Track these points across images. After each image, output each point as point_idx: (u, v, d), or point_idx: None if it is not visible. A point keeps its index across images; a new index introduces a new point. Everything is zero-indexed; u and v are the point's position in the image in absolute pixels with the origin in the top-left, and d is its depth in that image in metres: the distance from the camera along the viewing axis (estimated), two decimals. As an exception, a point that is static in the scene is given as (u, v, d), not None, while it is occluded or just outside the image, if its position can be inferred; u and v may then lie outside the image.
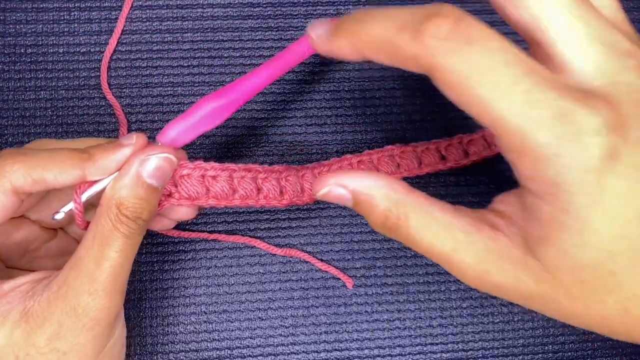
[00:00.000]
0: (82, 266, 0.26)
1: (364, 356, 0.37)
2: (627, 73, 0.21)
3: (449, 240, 0.24)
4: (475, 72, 0.20)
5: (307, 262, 0.37)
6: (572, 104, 0.20)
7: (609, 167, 0.20)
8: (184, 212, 0.31)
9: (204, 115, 0.29)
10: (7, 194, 0.26)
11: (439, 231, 0.24)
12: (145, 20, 0.38)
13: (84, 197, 0.28)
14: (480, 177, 0.39)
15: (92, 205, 0.32)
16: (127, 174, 0.27)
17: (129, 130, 0.37)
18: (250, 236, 0.37)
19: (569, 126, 0.20)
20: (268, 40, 0.38)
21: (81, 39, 0.37)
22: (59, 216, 0.28)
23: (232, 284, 0.37)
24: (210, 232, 0.37)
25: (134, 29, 0.38)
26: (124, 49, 0.38)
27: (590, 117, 0.20)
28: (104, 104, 0.37)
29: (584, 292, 0.22)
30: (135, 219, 0.27)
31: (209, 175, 0.30)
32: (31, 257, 0.31)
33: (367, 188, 0.25)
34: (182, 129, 0.29)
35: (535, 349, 0.38)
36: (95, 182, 0.28)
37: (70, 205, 0.28)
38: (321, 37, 0.25)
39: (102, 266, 0.26)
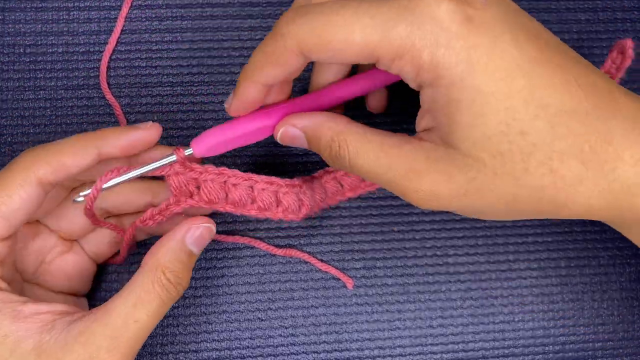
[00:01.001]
0: (110, 320, 0.26)
1: (364, 356, 0.37)
2: None
3: (384, 159, 0.26)
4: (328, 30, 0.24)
5: (307, 262, 0.37)
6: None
7: (468, 28, 0.23)
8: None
9: (244, 133, 0.29)
10: (32, 185, 0.27)
11: (375, 151, 0.26)
12: (144, 19, 0.38)
13: (107, 185, 0.28)
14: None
15: (108, 212, 0.32)
16: (174, 239, 0.29)
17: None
18: (250, 236, 0.37)
19: (421, 15, 0.23)
20: (268, 39, 0.38)
21: (80, 38, 0.37)
22: (79, 198, 0.28)
23: (232, 284, 0.37)
24: (210, 232, 0.37)
25: (134, 28, 0.38)
26: (123, 49, 0.38)
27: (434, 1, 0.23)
28: (103, 103, 0.37)
29: (507, 164, 0.24)
30: (177, 285, 0.28)
31: (230, 182, 0.31)
32: (45, 270, 0.31)
33: (314, 124, 0.28)
34: (219, 140, 0.29)
35: (536, 349, 0.38)
36: (119, 173, 0.28)
37: (89, 191, 0.28)
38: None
39: (129, 326, 0.26)
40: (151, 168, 0.29)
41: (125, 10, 0.37)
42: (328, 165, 0.34)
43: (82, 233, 0.33)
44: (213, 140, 0.29)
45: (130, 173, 0.28)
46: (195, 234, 0.29)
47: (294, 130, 0.29)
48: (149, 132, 0.30)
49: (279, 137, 0.29)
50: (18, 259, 0.30)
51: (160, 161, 0.29)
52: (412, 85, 0.25)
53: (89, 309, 0.33)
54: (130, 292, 0.27)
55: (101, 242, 0.33)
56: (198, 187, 0.30)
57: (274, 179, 0.32)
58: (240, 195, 0.31)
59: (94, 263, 0.34)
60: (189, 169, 0.30)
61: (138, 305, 0.26)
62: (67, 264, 0.32)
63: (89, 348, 0.25)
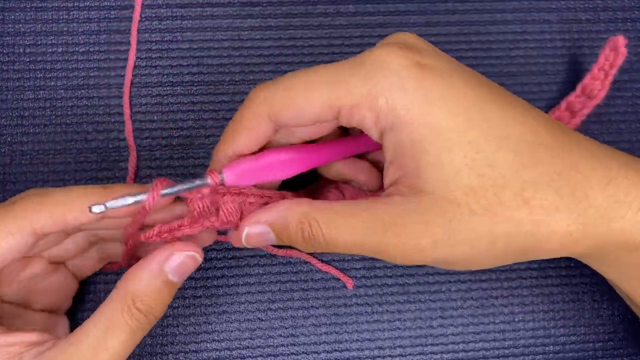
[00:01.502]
0: (79, 350, 0.25)
1: (364, 357, 0.37)
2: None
3: (358, 225, 0.25)
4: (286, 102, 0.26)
5: (307, 262, 0.37)
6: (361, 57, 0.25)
7: (421, 72, 0.24)
8: (205, 239, 0.31)
9: (269, 163, 0.28)
10: (25, 235, 0.26)
11: (347, 221, 0.25)
12: (144, 19, 0.38)
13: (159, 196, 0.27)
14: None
15: (97, 237, 0.32)
16: (149, 267, 0.26)
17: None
18: (250, 236, 0.37)
19: (372, 66, 0.24)
20: (268, 39, 0.38)
21: (80, 38, 0.37)
22: (97, 209, 0.26)
23: (232, 284, 0.37)
24: (210, 232, 0.37)
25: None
26: (123, 49, 0.37)
27: (382, 53, 0.25)
28: (102, 103, 0.37)
29: (480, 200, 0.24)
30: (147, 315, 0.26)
31: (247, 201, 0.29)
32: (28, 290, 0.30)
33: (276, 213, 0.27)
34: (251, 167, 0.28)
35: (536, 349, 0.37)
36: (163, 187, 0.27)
37: (116, 203, 0.26)
38: None
39: (99, 353, 0.25)
40: (185, 189, 0.27)
41: (137, 11, 0.38)
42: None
43: (73, 255, 0.32)
44: (245, 166, 0.28)
45: (167, 190, 0.27)
46: (176, 261, 0.27)
47: (258, 226, 0.27)
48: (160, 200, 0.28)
49: (244, 237, 0.28)
50: (3, 288, 0.29)
51: (196, 183, 0.27)
52: (374, 134, 0.26)
53: (69, 327, 0.33)
54: (99, 319, 0.25)
55: (88, 259, 0.33)
56: (218, 210, 0.29)
57: (285, 192, 0.31)
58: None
59: (77, 280, 0.33)
60: (221, 193, 0.29)
61: (108, 333, 0.25)
62: (51, 285, 0.31)
63: None
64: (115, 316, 0.25)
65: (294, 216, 0.26)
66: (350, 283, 0.37)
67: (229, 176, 0.28)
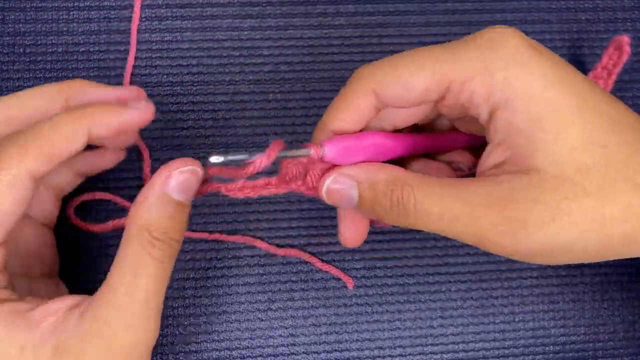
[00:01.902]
0: (115, 299, 0.24)
1: (364, 357, 0.37)
2: None
3: (458, 198, 0.23)
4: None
5: (307, 262, 0.37)
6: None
7: (538, 54, 0.23)
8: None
9: (370, 144, 0.27)
10: (24, 182, 0.25)
11: (445, 191, 0.24)
12: (144, 19, 0.38)
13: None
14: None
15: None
16: (153, 193, 0.25)
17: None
18: (250, 236, 0.37)
19: (490, 41, 0.24)
20: (268, 39, 0.38)
21: (80, 38, 0.37)
22: (216, 159, 0.24)
23: (232, 284, 0.37)
24: (210, 232, 0.37)
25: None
26: (122, 49, 0.37)
27: (496, 31, 0.24)
28: (103, 103, 0.37)
29: (594, 180, 0.23)
30: (169, 241, 0.25)
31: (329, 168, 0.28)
32: (18, 255, 0.30)
33: (367, 172, 0.25)
34: (350, 145, 0.27)
35: (537, 349, 0.37)
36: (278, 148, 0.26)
37: (235, 157, 0.25)
38: None
39: (135, 297, 0.24)
40: (290, 155, 0.26)
41: (137, 12, 0.38)
42: None
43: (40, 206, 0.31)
44: (347, 143, 0.27)
45: (281, 153, 0.26)
46: (177, 181, 0.25)
47: (342, 179, 0.26)
48: (144, 113, 0.27)
49: (325, 188, 0.26)
50: (12, 258, 0.28)
51: (301, 152, 0.26)
52: (482, 113, 0.25)
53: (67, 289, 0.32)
54: (124, 263, 0.25)
55: (45, 202, 0.32)
56: (304, 174, 0.28)
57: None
58: None
59: (49, 229, 0.32)
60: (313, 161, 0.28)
61: (137, 274, 0.25)
62: (30, 242, 0.30)
63: (105, 334, 0.24)
64: (137, 255, 0.25)
65: (385, 176, 0.25)
66: (350, 283, 0.37)
67: (330, 151, 0.26)
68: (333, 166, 0.27)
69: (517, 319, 0.38)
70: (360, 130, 0.28)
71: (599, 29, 0.40)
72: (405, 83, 0.25)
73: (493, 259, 0.38)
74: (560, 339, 0.38)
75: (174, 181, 0.25)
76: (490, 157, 0.25)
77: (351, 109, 0.26)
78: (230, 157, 0.25)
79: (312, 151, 0.26)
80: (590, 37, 0.40)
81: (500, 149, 0.24)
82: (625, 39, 0.35)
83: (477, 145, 0.31)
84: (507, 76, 0.23)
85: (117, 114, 0.27)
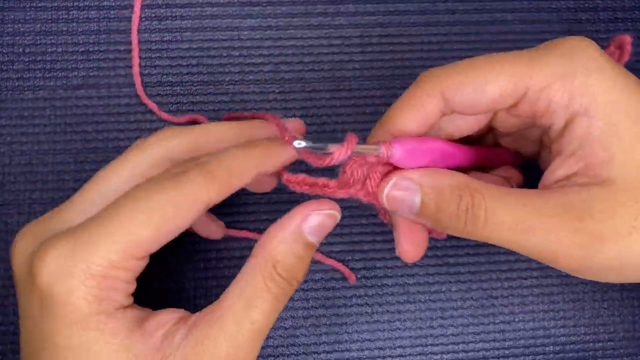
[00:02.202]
0: (223, 325, 0.24)
1: (364, 357, 0.37)
2: None
3: (530, 207, 0.22)
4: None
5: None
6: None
7: (615, 64, 0.23)
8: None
9: (435, 149, 0.26)
10: (198, 211, 0.24)
11: (516, 200, 0.23)
12: (144, 19, 0.38)
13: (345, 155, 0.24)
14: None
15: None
16: (289, 228, 0.25)
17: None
18: (250, 230, 0.37)
19: (569, 48, 0.24)
20: (268, 39, 0.38)
21: (80, 38, 0.37)
22: (301, 144, 0.23)
23: (232, 285, 0.36)
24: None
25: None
26: (122, 49, 0.37)
27: (575, 40, 0.24)
28: (102, 103, 0.37)
29: None
30: (290, 280, 0.25)
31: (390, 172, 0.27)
32: None
33: (434, 176, 0.24)
34: (420, 147, 0.26)
35: (537, 349, 0.37)
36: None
37: (316, 145, 0.24)
38: None
39: (243, 328, 0.24)
40: (362, 151, 0.25)
41: (137, 13, 0.37)
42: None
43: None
44: (414, 144, 0.26)
45: (355, 148, 0.24)
46: (315, 222, 0.25)
47: (406, 184, 0.24)
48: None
49: (386, 192, 0.25)
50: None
51: (371, 148, 0.25)
52: (558, 120, 0.24)
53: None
54: (241, 290, 0.24)
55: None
56: (365, 178, 0.27)
57: None
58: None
59: None
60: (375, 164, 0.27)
61: (251, 306, 0.24)
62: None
63: (207, 358, 0.23)
64: (257, 286, 0.24)
65: (452, 181, 0.24)
66: (352, 278, 0.37)
67: (398, 151, 0.25)
68: (392, 170, 0.26)
69: (517, 319, 0.38)
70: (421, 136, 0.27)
71: (599, 28, 0.40)
72: (481, 87, 0.24)
73: (493, 259, 0.38)
74: (560, 339, 0.38)
75: (312, 222, 0.25)
76: (561, 168, 0.24)
77: (417, 110, 0.25)
78: (311, 144, 0.24)
79: (383, 150, 0.25)
80: (591, 37, 0.40)
81: (573, 159, 0.24)
82: (627, 38, 0.35)
83: (519, 163, 0.31)
84: (588, 83, 0.23)
85: (283, 153, 0.27)
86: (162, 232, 0.24)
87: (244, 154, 0.26)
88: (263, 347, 0.36)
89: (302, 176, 0.27)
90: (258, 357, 0.36)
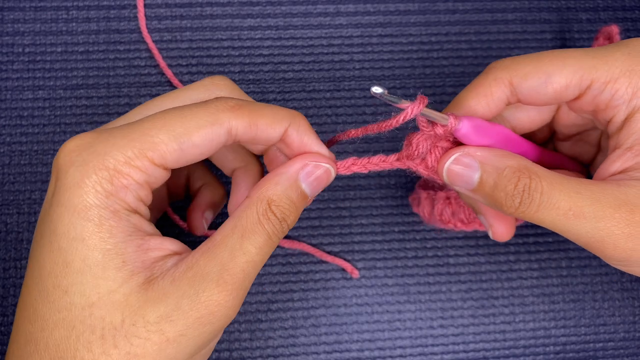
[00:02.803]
0: (216, 254, 0.24)
1: (364, 357, 0.37)
2: None
3: (586, 193, 0.23)
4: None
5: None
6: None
7: None
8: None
9: (500, 133, 0.27)
10: (221, 129, 0.24)
11: (573, 184, 0.24)
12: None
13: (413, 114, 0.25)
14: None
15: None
16: (286, 174, 0.26)
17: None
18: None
19: (636, 46, 0.25)
20: (267, 39, 0.38)
21: (79, 38, 0.37)
22: (378, 90, 0.23)
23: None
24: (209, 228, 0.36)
25: (132, 27, 0.38)
26: (122, 48, 0.37)
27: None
28: (101, 103, 0.37)
29: None
30: (282, 221, 0.25)
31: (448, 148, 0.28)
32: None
33: (495, 154, 0.25)
34: (486, 126, 0.26)
35: (537, 349, 0.37)
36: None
37: (391, 98, 0.24)
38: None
39: (236, 258, 0.24)
40: (433, 116, 0.25)
41: (141, 11, 0.38)
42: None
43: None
44: (482, 123, 0.26)
45: (424, 110, 0.25)
46: (313, 174, 0.26)
47: (467, 159, 0.26)
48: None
49: (448, 163, 0.26)
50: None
51: (439, 116, 0.25)
52: (620, 113, 0.25)
53: None
54: (235, 223, 0.25)
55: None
56: (427, 152, 0.27)
57: None
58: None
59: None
60: (439, 138, 0.27)
61: (244, 237, 0.24)
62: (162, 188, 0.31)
63: (196, 283, 0.23)
64: (251, 220, 0.25)
65: (513, 162, 0.24)
66: (355, 273, 0.37)
67: (465, 125, 0.26)
68: (454, 147, 0.27)
69: (517, 319, 0.38)
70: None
71: (599, 28, 0.40)
72: (548, 76, 0.25)
73: (493, 259, 0.38)
74: (560, 339, 0.38)
75: (309, 172, 0.26)
76: (617, 161, 0.25)
77: (484, 95, 0.26)
78: (386, 94, 0.24)
79: (451, 120, 0.25)
80: (591, 37, 0.40)
81: (630, 153, 0.25)
82: (615, 28, 0.35)
83: (576, 171, 0.31)
84: None
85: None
86: (183, 146, 0.24)
87: (274, 108, 0.26)
88: (263, 347, 0.36)
89: (350, 160, 0.27)
90: (258, 357, 0.36)
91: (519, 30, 0.40)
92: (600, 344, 0.38)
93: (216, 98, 0.25)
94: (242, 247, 0.24)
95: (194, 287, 0.23)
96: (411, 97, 0.25)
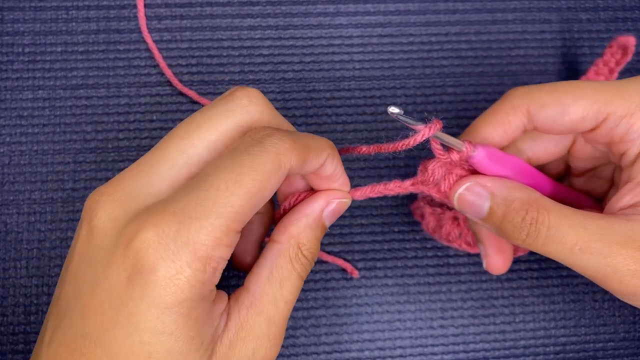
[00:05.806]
0: (262, 309, 0.24)
1: (364, 357, 0.37)
2: None
3: (593, 228, 0.23)
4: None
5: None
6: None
7: None
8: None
9: (514, 163, 0.27)
10: (284, 173, 0.24)
11: (580, 219, 0.24)
12: (143, 19, 0.38)
13: (430, 135, 0.25)
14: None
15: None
16: (312, 215, 0.26)
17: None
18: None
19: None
20: (267, 39, 0.38)
21: (79, 38, 0.37)
22: (395, 110, 0.24)
23: (233, 285, 0.36)
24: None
25: (132, 27, 0.38)
26: (122, 48, 0.37)
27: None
28: (101, 103, 0.37)
29: None
30: (311, 261, 0.26)
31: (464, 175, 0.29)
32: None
33: (505, 187, 0.26)
34: (501, 155, 0.27)
35: (537, 350, 0.37)
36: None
37: (406, 119, 0.25)
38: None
39: (280, 309, 0.25)
40: (446, 141, 0.26)
41: (142, 11, 0.37)
42: None
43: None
44: (497, 152, 0.27)
45: (439, 133, 0.25)
46: (332, 208, 0.27)
47: (478, 189, 0.26)
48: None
49: (460, 191, 0.27)
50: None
51: (454, 141, 0.26)
52: (634, 147, 0.25)
53: None
54: (272, 272, 0.25)
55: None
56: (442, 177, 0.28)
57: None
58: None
59: None
60: (453, 165, 0.28)
61: (283, 287, 0.25)
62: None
63: (250, 343, 0.24)
64: (285, 268, 0.25)
65: (523, 195, 0.25)
66: (355, 273, 0.37)
67: (480, 152, 0.26)
68: (468, 175, 0.27)
69: (517, 320, 0.38)
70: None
71: (599, 28, 0.40)
72: (565, 107, 0.25)
73: (493, 259, 0.38)
74: (560, 340, 0.38)
75: (331, 208, 0.27)
76: (628, 195, 0.25)
77: (501, 122, 0.27)
78: (403, 115, 0.25)
79: (466, 146, 0.26)
80: (591, 36, 0.40)
81: (639, 189, 0.25)
82: (631, 39, 0.35)
83: (590, 207, 0.31)
84: None
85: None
86: (254, 201, 0.23)
87: (315, 139, 0.26)
88: (263, 348, 0.36)
89: (368, 188, 0.28)
90: None
91: (519, 30, 0.40)
92: (600, 344, 0.38)
93: (267, 134, 0.24)
94: (282, 296, 0.25)
95: (250, 347, 0.24)
96: (428, 115, 0.25)
